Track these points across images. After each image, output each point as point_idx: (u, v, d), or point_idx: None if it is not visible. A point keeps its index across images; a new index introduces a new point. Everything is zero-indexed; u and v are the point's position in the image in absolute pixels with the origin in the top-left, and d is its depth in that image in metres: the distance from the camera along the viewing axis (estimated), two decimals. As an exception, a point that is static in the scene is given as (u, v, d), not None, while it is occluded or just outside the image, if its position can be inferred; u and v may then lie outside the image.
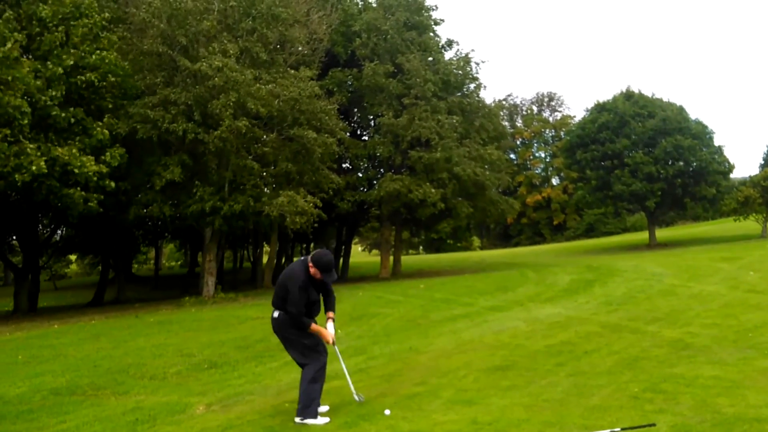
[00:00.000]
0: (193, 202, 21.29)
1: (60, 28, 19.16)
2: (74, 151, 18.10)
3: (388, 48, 29.20)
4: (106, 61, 19.80)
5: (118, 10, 22.64)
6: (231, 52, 20.96)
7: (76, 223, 24.60)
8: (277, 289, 6.21)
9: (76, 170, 18.00)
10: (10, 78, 17.07)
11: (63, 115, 18.56)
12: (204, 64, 20.39)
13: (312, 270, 6.02)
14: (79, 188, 18.58)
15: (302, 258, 6.26)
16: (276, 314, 6.17)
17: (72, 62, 18.93)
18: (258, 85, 21.03)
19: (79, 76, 19.20)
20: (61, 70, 18.45)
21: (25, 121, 17.28)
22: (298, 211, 20.78)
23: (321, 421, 5.88)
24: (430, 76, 28.64)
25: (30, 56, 18.52)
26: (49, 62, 18.55)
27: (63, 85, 18.61)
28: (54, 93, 18.25)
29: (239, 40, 22.41)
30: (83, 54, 19.43)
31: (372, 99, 29.32)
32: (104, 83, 19.91)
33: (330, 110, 24.00)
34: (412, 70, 28.24)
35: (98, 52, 19.71)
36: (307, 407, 5.92)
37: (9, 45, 17.23)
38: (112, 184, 19.43)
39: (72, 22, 19.55)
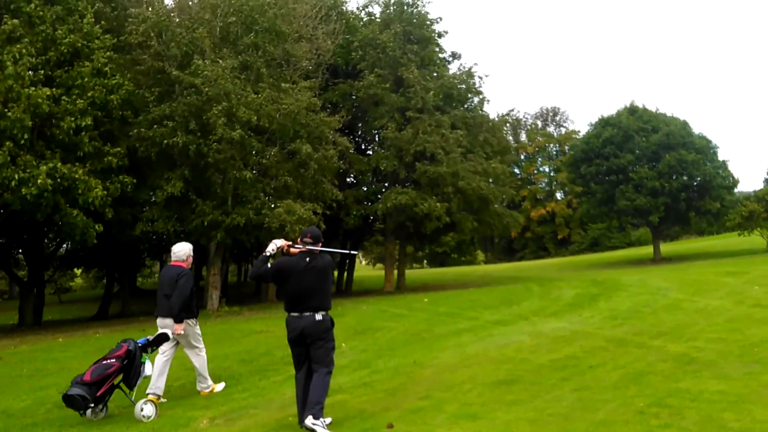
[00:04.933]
0: (195, 216, 21.35)
1: (86, 62, 19.43)
2: (80, 172, 18.20)
3: (389, 61, 29.30)
4: (125, 87, 20.23)
5: (120, 27, 22.85)
6: (222, 63, 21.07)
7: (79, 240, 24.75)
8: (320, 287, 6.30)
9: (80, 191, 18.11)
10: (24, 94, 17.20)
11: (87, 144, 18.94)
12: (197, 78, 20.53)
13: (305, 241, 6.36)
14: (81, 213, 18.65)
15: None
16: (319, 317, 6.23)
17: (97, 96, 19.23)
18: (252, 95, 21.14)
19: (105, 93, 19.55)
20: (84, 104, 18.69)
21: (27, 136, 17.40)
22: (297, 220, 20.80)
23: None
24: (431, 86, 28.72)
25: (52, 87, 18.68)
26: (74, 94, 18.79)
27: (89, 117, 18.88)
28: (83, 123, 18.53)
29: (241, 55, 22.55)
30: (104, 75, 19.78)
31: (374, 112, 29.42)
32: (121, 113, 20.33)
33: (329, 122, 24.06)
34: (411, 79, 28.30)
35: (115, 77, 20.07)
36: (322, 403, 6.04)
37: (20, 64, 17.44)
38: (110, 213, 19.56)
39: (89, 44, 19.83)
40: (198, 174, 22.11)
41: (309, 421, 5.91)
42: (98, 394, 7.06)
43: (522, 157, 79.80)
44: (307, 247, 6.33)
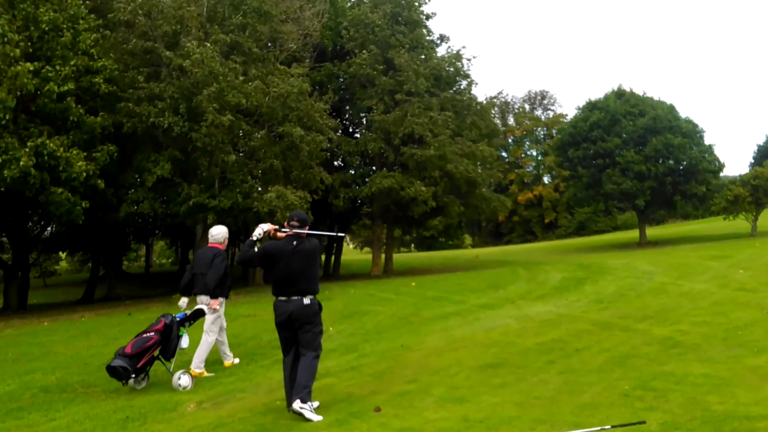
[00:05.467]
0: (182, 199, 21.22)
1: (66, 33, 19.18)
2: (61, 150, 17.99)
3: (378, 42, 29.13)
4: (109, 67, 20.09)
5: (104, 5, 22.55)
6: (211, 43, 20.86)
7: (65, 221, 24.53)
8: (307, 270, 6.27)
9: (61, 168, 17.92)
10: (9, 73, 16.96)
11: (77, 112, 18.69)
12: (186, 60, 20.33)
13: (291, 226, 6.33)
14: (66, 190, 18.46)
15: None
16: (307, 300, 6.21)
17: (80, 64, 19.08)
18: (241, 78, 20.98)
19: (90, 76, 19.38)
20: (69, 70, 18.49)
21: (9, 116, 17.18)
22: (287, 206, 20.76)
23: (316, 417, 5.89)
24: (422, 71, 28.61)
25: (33, 62, 18.40)
26: (56, 65, 18.58)
27: (72, 82, 18.69)
28: (66, 88, 18.31)
29: (229, 35, 22.32)
30: (91, 57, 19.64)
31: (362, 93, 29.27)
32: (107, 89, 20.07)
33: (320, 108, 23.94)
34: (402, 65, 28.19)
35: (102, 59, 19.90)
36: (310, 386, 6.04)
37: (9, 46, 17.20)
38: (102, 184, 19.36)
39: (74, 26, 19.60)
40: (184, 156, 21.93)
41: (296, 404, 5.92)
42: (138, 365, 7.63)
43: (509, 140, 79.81)
44: (294, 230, 6.31)
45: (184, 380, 7.70)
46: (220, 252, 8.72)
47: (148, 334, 7.81)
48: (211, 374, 8.50)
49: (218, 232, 8.90)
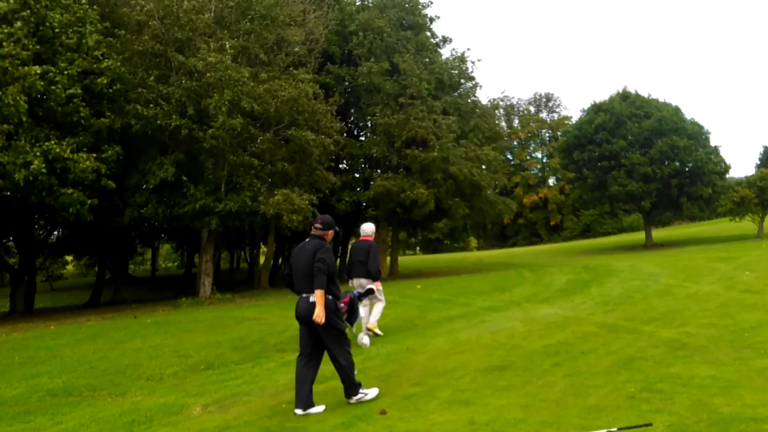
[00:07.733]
0: (188, 202, 21.22)
1: (72, 34, 19.29)
2: (68, 151, 18.06)
3: (384, 47, 29.19)
4: (112, 67, 20.12)
5: (112, 13, 22.62)
6: (228, 48, 20.94)
7: (72, 224, 24.57)
8: (309, 268, 6.24)
9: (72, 167, 17.98)
10: (17, 74, 17.06)
11: (83, 114, 18.78)
12: (199, 61, 20.38)
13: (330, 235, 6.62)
14: (78, 188, 18.51)
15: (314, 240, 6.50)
16: (313, 299, 6.19)
17: (86, 65, 19.24)
18: (252, 84, 21.03)
19: (93, 77, 19.52)
20: (74, 71, 18.58)
21: (24, 119, 17.26)
22: (294, 209, 20.78)
23: (372, 393, 6.42)
24: (425, 75, 28.64)
25: (41, 64, 18.49)
26: (61, 65, 18.69)
27: (79, 84, 18.80)
28: (73, 91, 18.41)
29: (237, 40, 22.39)
30: (95, 59, 19.75)
31: (369, 99, 29.31)
32: (110, 90, 20.08)
33: (327, 111, 24.00)
34: (407, 70, 28.23)
35: (106, 60, 19.98)
36: (353, 379, 6.34)
37: (19, 46, 17.30)
38: (112, 183, 19.40)
39: (80, 29, 19.71)
40: (190, 159, 21.95)
41: (352, 399, 6.30)
42: None
43: (515, 143, 79.76)
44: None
45: (365, 340, 9.81)
46: (374, 244, 10.51)
47: (340, 305, 8.96)
48: (380, 333, 10.59)
49: (368, 227, 10.71)
